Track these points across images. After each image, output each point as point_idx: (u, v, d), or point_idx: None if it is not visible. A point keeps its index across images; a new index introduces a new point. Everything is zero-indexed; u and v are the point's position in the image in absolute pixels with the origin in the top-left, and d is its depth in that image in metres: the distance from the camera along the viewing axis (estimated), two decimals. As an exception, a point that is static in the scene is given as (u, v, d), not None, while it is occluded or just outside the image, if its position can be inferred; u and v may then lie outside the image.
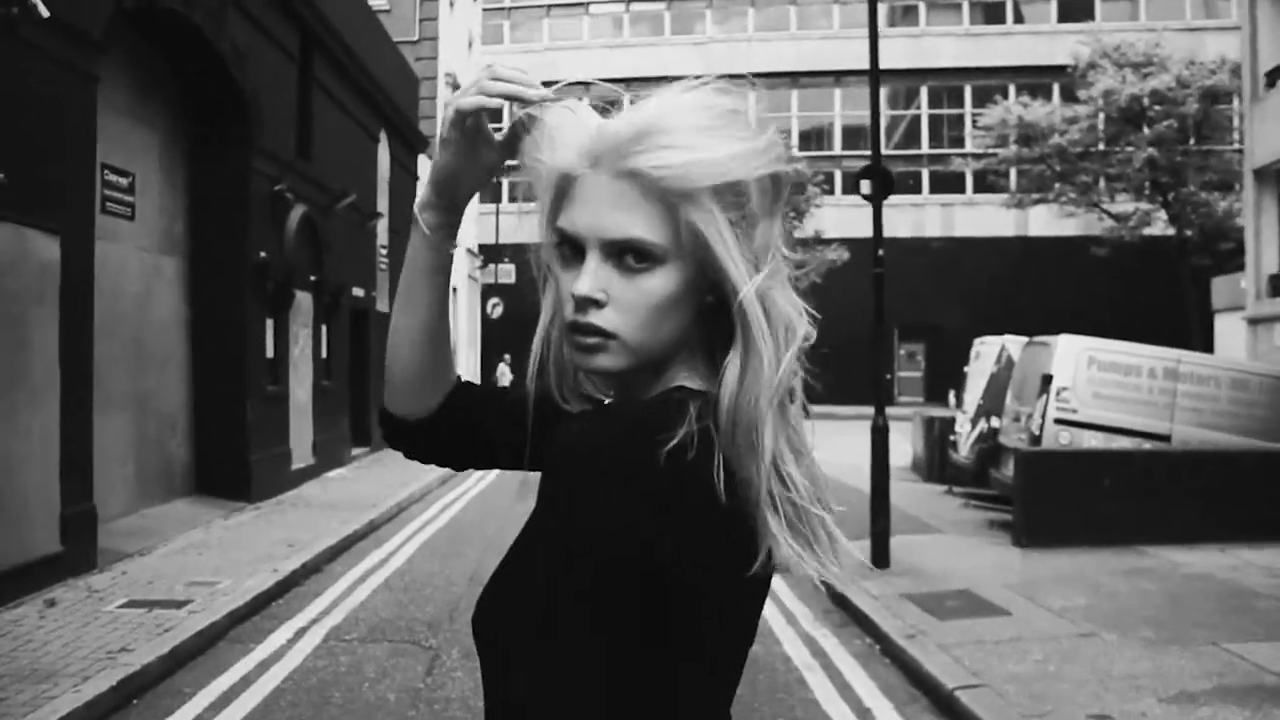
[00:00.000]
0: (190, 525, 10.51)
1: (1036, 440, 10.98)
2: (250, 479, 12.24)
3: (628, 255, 1.04)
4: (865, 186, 9.06)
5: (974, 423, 14.37)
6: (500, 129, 1.23)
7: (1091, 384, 11.03)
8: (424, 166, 23.62)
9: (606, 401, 1.21)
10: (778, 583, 8.79)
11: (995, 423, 13.40)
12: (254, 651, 6.63)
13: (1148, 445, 10.84)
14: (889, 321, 33.76)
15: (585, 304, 1.05)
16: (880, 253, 8.96)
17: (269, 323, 13.20)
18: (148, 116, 11.07)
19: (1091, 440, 10.92)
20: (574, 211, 1.07)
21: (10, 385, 7.45)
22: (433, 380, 1.31)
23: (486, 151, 1.21)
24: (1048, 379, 11.10)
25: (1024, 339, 13.55)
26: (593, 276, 1.04)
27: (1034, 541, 9.69)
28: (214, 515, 11.17)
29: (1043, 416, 11.02)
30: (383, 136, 19.72)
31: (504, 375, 30.26)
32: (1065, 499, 9.85)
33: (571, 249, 1.07)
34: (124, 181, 10.39)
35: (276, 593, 8.09)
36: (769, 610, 7.81)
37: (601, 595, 0.99)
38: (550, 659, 1.00)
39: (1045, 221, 33.13)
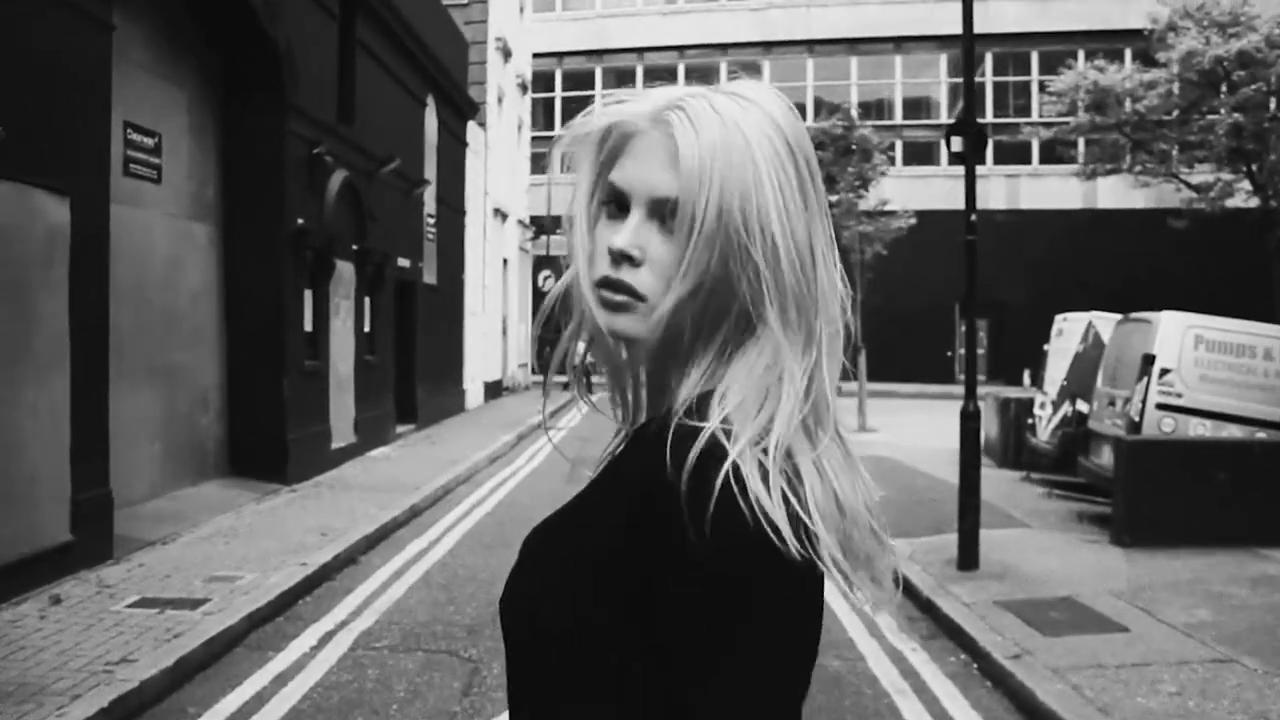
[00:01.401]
0: (220, 509, 9.87)
1: (1136, 427, 9.99)
2: (287, 459, 11.59)
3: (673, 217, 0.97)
4: (956, 143, 8.10)
5: (1056, 405, 13.40)
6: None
7: (1198, 365, 10.01)
8: (473, 134, 22.88)
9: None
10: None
11: (1082, 406, 12.44)
12: (272, 661, 5.92)
13: (1261, 434, 9.81)
14: (948, 297, 32.65)
15: (620, 259, 0.98)
16: (973, 218, 8.00)
17: (307, 293, 12.50)
18: (175, 74, 10.37)
19: (1198, 428, 9.91)
20: (627, 166, 1.00)
21: (13, 358, 6.79)
22: None
23: None
24: (1149, 360, 10.09)
25: (1114, 316, 12.53)
26: (633, 232, 0.98)
27: (1138, 540, 8.74)
28: (247, 498, 10.53)
29: (1143, 401, 10.01)
30: (430, 101, 18.95)
31: None
32: (1174, 493, 8.87)
33: (618, 206, 1.00)
34: (149, 142, 9.71)
35: (304, 589, 7.39)
36: (849, 619, 6.98)
37: None
38: None
39: (1115, 193, 31.74)
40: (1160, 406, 10.01)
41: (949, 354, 34.73)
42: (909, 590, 7.83)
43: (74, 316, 7.36)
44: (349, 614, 6.94)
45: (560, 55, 37.71)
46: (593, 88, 38.77)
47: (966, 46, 8.34)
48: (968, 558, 8.15)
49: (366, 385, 14.84)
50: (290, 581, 7.28)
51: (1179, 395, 9.98)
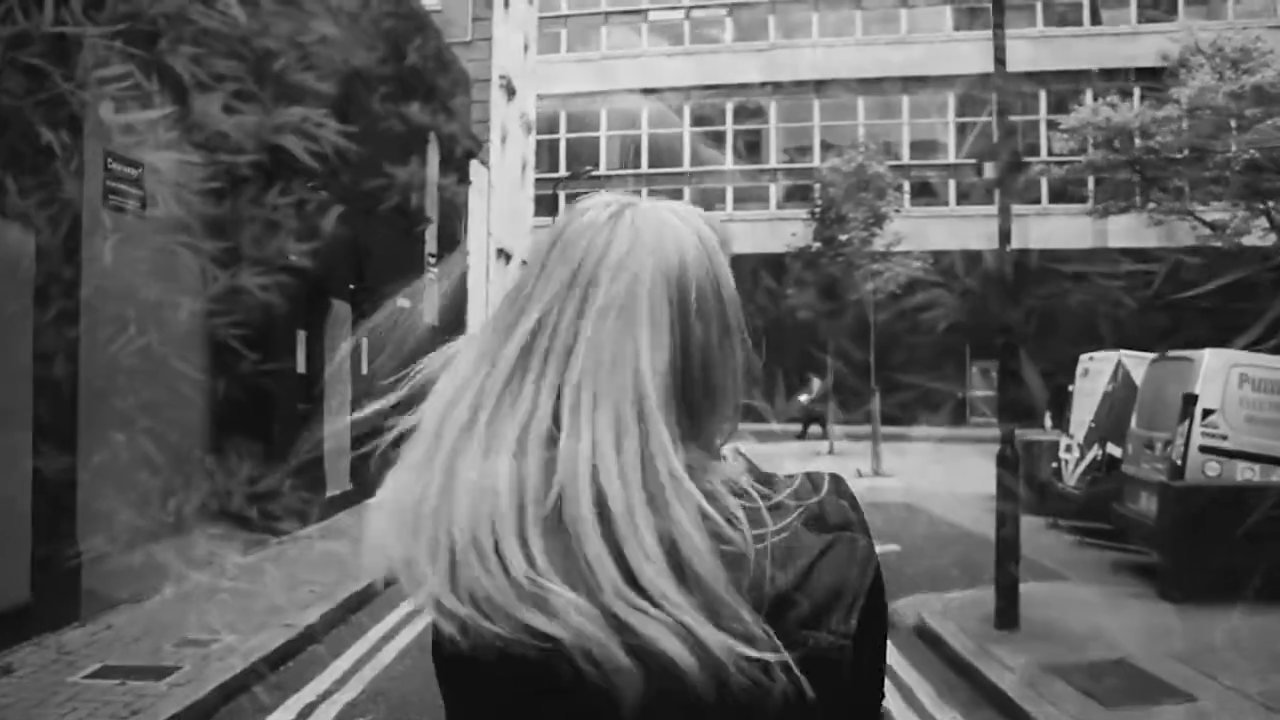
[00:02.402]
0: (202, 563, 9.25)
1: (1178, 471, 9.37)
2: (277, 508, 10.96)
3: None
4: (989, 169, 7.56)
5: (1084, 448, 12.78)
6: None
7: (1244, 406, 9.41)
8: (476, 172, 22.45)
9: None
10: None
11: (1113, 449, 11.83)
12: (243, 742, 5.31)
13: (1315, 479, 9.19)
14: (958, 339, 31.97)
15: None
16: (1008, 249, 7.45)
17: (300, 334, 11.95)
18: (158, 95, 9.85)
19: (1246, 472, 9.29)
20: None
21: (-32, 403, 6.22)
22: None
23: None
24: (1190, 400, 9.50)
25: (1145, 354, 11.96)
26: None
27: (1190, 595, 8.08)
28: (231, 551, 9.91)
29: (1185, 444, 9.41)
30: (432, 138, 18.50)
31: None
32: (1224, 543, 8.21)
33: None
34: (133, 173, 9.19)
35: (286, 653, 6.77)
36: (883, 686, 6.33)
37: None
38: None
39: (1127, 231, 31.21)
40: (1204, 449, 9.40)
41: (960, 395, 34.12)
42: (945, 652, 7.21)
43: (39, 356, 6.80)
44: (333, 682, 6.31)
45: (564, 97, 37.44)
46: (597, 130, 38.49)
47: (999, 68, 7.85)
48: (1007, 615, 7.52)
49: (364, 430, 14.23)
50: (272, 645, 6.66)
51: (1224, 437, 9.37)
